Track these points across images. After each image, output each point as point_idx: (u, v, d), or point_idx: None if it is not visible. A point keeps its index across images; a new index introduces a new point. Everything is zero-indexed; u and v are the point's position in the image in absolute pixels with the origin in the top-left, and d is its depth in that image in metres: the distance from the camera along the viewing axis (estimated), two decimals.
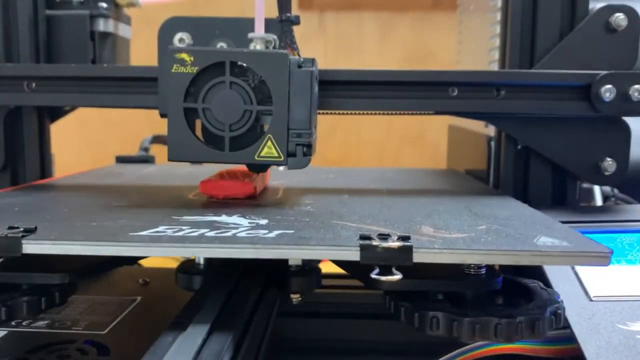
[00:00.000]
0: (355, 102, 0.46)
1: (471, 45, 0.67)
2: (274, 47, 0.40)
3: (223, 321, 0.31)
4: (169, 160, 0.37)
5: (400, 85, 0.45)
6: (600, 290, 0.36)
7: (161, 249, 0.29)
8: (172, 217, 0.35)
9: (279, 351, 0.46)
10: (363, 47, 1.18)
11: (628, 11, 0.46)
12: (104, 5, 0.54)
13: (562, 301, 0.32)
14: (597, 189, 0.65)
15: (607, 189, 0.68)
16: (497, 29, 0.52)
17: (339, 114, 0.47)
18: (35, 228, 0.30)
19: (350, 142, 1.19)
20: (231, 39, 0.44)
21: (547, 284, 0.37)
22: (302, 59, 0.37)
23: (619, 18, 0.45)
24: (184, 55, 0.36)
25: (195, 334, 0.28)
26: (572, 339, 0.33)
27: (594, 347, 0.32)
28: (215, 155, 0.37)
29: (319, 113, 0.47)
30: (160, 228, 0.31)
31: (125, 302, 0.45)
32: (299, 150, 0.37)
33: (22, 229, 0.30)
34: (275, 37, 0.40)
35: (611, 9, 0.46)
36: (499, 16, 0.52)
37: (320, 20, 1.16)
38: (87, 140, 1.14)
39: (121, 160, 0.71)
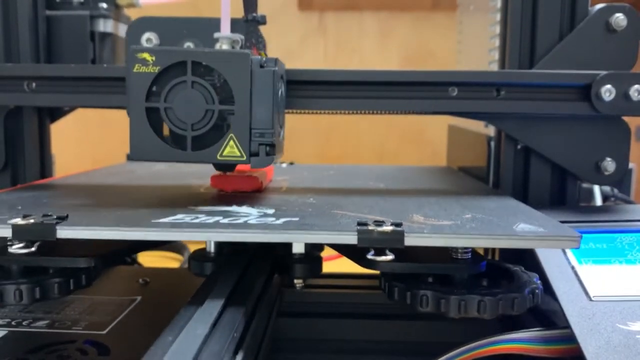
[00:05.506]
0: (355, 102, 0.46)
1: (471, 45, 0.67)
2: (241, 47, 0.40)
3: (236, 298, 0.33)
4: (131, 159, 0.38)
5: (400, 85, 0.45)
6: (600, 290, 0.36)
7: (182, 234, 0.32)
8: (188, 207, 0.37)
9: (279, 351, 0.46)
10: (363, 47, 1.18)
11: (628, 11, 0.46)
12: (104, 5, 0.54)
13: (540, 283, 0.35)
14: (597, 189, 0.65)
15: (607, 188, 0.68)
16: (497, 29, 0.52)
17: (339, 113, 0.47)
18: (67, 216, 0.33)
19: (349, 141, 1.19)
20: (199, 39, 0.44)
21: (547, 283, 0.37)
22: (264, 59, 0.37)
23: (619, 18, 0.45)
24: (146, 55, 0.36)
25: (212, 307, 0.31)
26: (572, 339, 0.33)
27: (594, 347, 0.32)
28: (177, 155, 0.37)
29: (319, 113, 0.47)
30: (179, 216, 0.34)
31: (125, 302, 0.45)
32: (261, 150, 0.37)
33: (55, 217, 0.32)
34: (242, 37, 0.40)
35: (611, 9, 0.46)
36: (498, 16, 0.52)
37: (320, 20, 1.16)
38: (87, 141, 1.14)
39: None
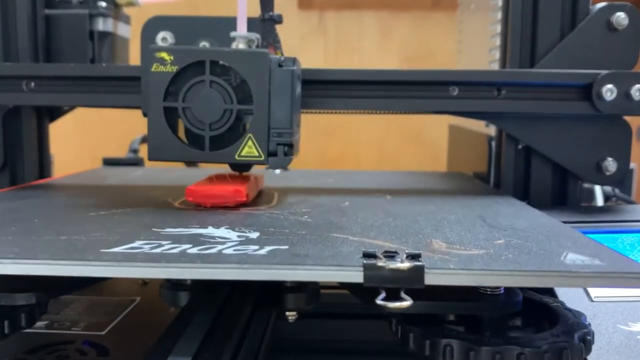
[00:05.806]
0: (355, 102, 0.45)
1: (471, 44, 0.67)
2: (257, 46, 0.40)
3: (207, 350, 0.27)
4: (149, 160, 0.37)
5: (400, 85, 0.45)
6: (601, 291, 0.36)
7: (134, 269, 0.26)
8: (152, 230, 0.31)
9: (278, 351, 0.46)
10: (363, 46, 1.18)
11: (629, 10, 0.45)
12: (103, 4, 0.54)
13: (589, 324, 0.29)
14: (598, 189, 0.65)
15: (608, 188, 0.67)
16: (498, 29, 0.52)
17: (339, 113, 0.47)
18: None
19: (350, 141, 1.19)
20: (214, 38, 0.44)
21: None
22: (283, 58, 0.37)
23: (620, 17, 0.45)
24: (164, 54, 0.36)
25: None
26: None
27: (595, 348, 0.31)
28: (195, 154, 0.37)
29: (319, 113, 0.47)
30: (137, 243, 0.28)
31: (124, 302, 0.45)
32: (280, 150, 0.37)
33: None
34: (258, 36, 0.40)
35: (612, 8, 0.46)
36: (499, 15, 0.52)
37: (320, 20, 1.16)
38: (86, 140, 1.14)
39: (109, 162, 0.69)
